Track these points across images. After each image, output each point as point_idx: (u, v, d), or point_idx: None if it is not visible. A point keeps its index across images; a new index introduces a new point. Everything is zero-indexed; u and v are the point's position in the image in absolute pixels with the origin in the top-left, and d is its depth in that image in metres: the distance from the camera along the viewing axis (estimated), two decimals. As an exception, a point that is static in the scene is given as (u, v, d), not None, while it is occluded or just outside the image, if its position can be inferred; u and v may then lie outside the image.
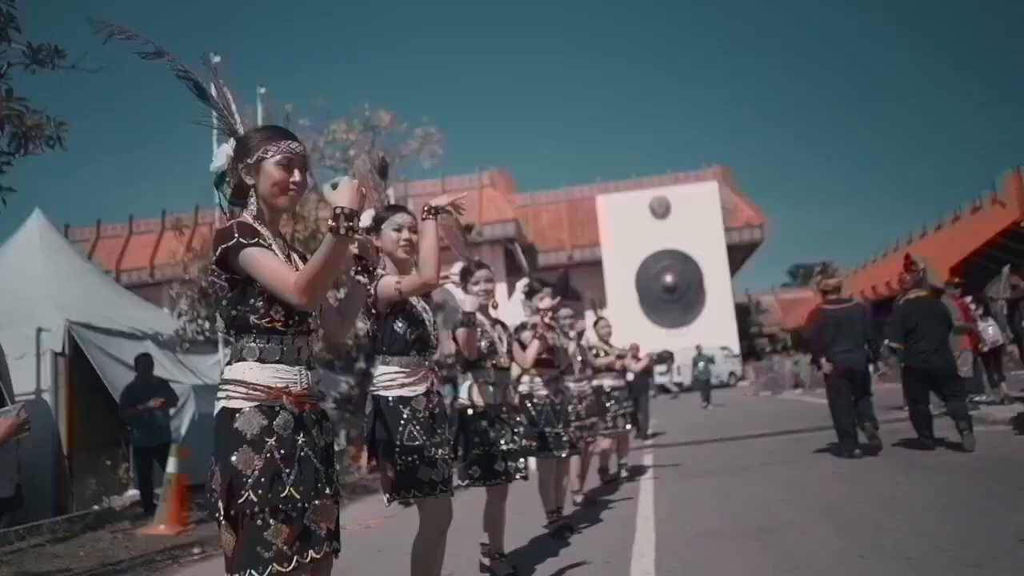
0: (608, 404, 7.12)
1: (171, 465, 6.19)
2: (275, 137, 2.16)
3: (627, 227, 41.56)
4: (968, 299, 11.13)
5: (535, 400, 4.92)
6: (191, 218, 21.03)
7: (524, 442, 4.00)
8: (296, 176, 2.14)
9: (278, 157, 2.11)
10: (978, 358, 10.53)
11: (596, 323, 7.62)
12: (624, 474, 7.64)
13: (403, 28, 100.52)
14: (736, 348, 39.36)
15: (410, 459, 2.89)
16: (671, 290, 41.62)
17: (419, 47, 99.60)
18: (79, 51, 6.48)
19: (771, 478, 6.57)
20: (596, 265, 41.88)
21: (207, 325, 9.42)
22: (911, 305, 7.17)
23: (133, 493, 8.40)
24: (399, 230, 3.06)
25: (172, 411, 8.55)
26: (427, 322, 3.09)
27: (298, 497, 1.99)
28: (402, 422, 2.92)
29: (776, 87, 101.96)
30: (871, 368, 7.62)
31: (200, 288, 9.46)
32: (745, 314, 47.35)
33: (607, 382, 7.17)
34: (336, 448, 2.21)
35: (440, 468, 2.93)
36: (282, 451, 2.01)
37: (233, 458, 1.96)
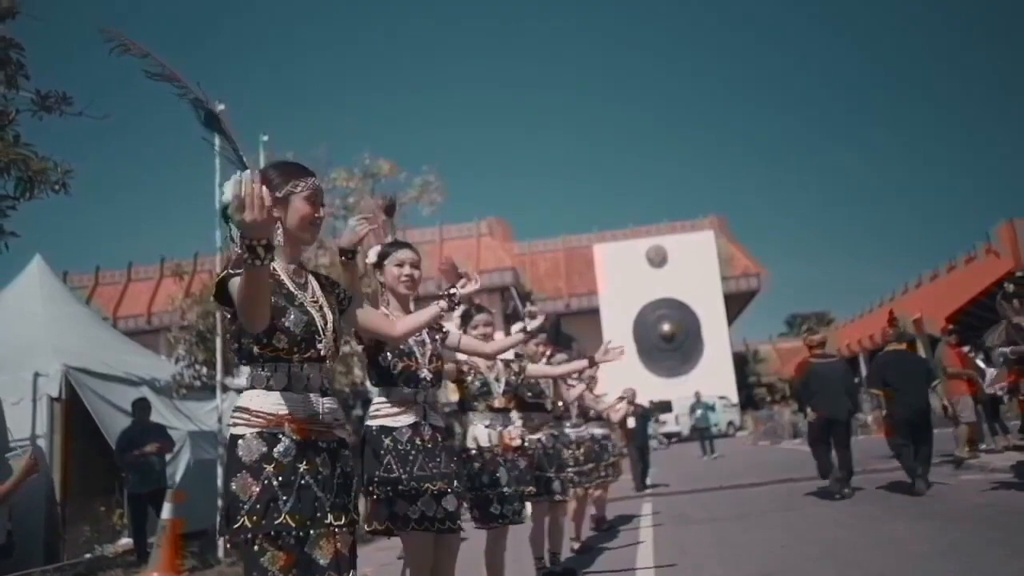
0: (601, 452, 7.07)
1: (166, 511, 6.11)
2: (300, 173, 2.24)
3: (624, 276, 41.74)
4: (966, 348, 11.21)
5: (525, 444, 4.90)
6: (191, 264, 21.11)
7: (521, 487, 3.96)
8: (320, 212, 2.24)
9: (307, 192, 2.19)
10: (978, 405, 10.52)
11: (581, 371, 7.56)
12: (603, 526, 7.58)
13: (402, 78, 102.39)
14: (734, 397, 39.20)
15: (387, 490, 2.89)
16: (668, 339, 41.62)
17: (417, 97, 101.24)
18: (85, 98, 6.64)
19: (771, 525, 6.52)
20: (594, 313, 41.95)
21: (204, 371, 9.40)
22: (890, 356, 7.80)
23: (127, 541, 8.28)
24: (401, 266, 3.12)
25: (168, 457, 8.49)
26: (418, 355, 3.10)
27: (293, 525, 1.99)
28: (381, 452, 2.93)
29: (772, 138, 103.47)
30: (852, 418, 8.11)
31: (198, 332, 9.46)
32: (743, 363, 47.29)
33: (595, 431, 7.09)
34: None
35: (425, 504, 2.90)
36: (280, 478, 2.01)
37: (232, 484, 2.01)
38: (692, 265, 41.59)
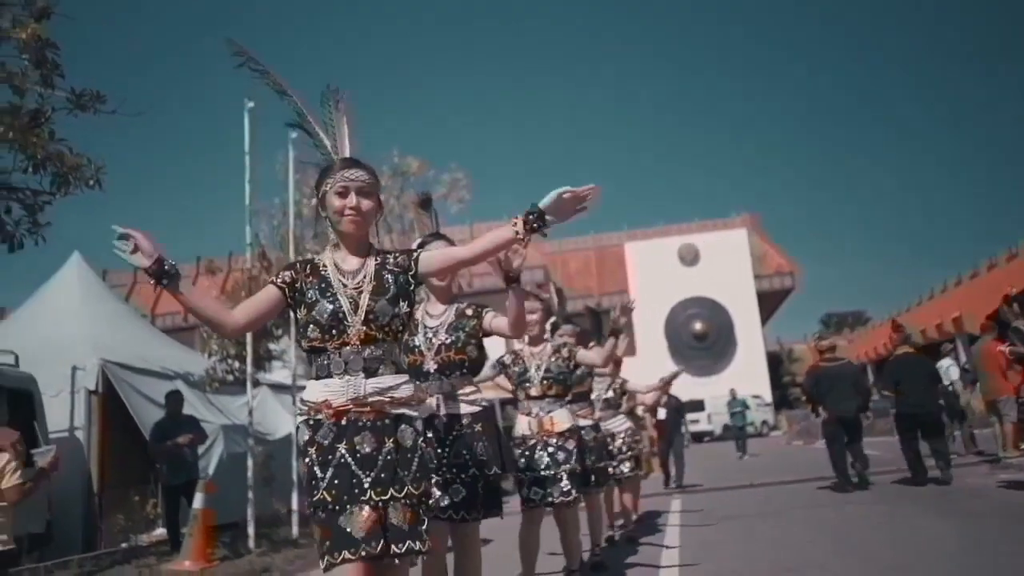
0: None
1: (197, 500, 6.24)
2: (336, 168, 2.38)
3: (655, 274, 41.47)
4: (1005, 346, 10.93)
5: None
6: (225, 262, 21.43)
7: (565, 467, 3.95)
8: (351, 201, 2.32)
9: (337, 187, 2.34)
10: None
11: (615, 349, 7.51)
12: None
13: (432, 76, 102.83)
14: (768, 397, 38.77)
15: None
16: (701, 338, 41.28)
17: (445, 95, 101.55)
18: (118, 96, 6.78)
19: (797, 521, 6.45)
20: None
21: (236, 365, 9.54)
22: (897, 360, 8.53)
23: (162, 531, 8.44)
24: None
25: (201, 449, 8.64)
26: (423, 349, 3.14)
27: (329, 500, 2.16)
28: None
29: (806, 135, 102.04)
30: (862, 416, 8.65)
31: (230, 328, 9.59)
32: (777, 363, 46.74)
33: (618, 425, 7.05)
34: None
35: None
36: (319, 458, 2.21)
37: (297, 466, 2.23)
38: (724, 263, 41.17)
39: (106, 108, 6.66)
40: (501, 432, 3.30)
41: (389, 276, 2.37)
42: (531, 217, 2.24)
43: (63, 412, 8.87)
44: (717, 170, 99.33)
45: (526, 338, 4.14)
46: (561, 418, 4.01)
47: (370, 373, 2.26)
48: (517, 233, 2.25)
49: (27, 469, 3.58)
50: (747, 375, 38.61)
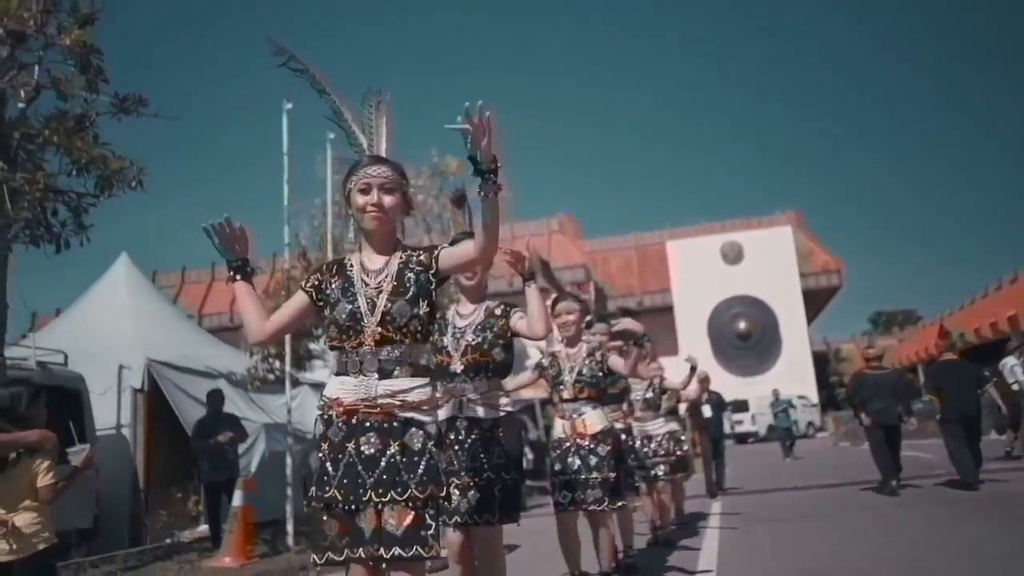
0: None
1: (237, 498, 6.32)
2: (360, 166, 2.38)
3: (698, 273, 40.99)
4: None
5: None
6: (269, 262, 21.77)
7: (598, 474, 3.91)
8: (373, 197, 2.31)
9: (360, 184, 2.34)
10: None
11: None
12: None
13: (471, 76, 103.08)
14: (814, 397, 38.03)
15: None
16: (744, 337, 40.66)
17: (487, 95, 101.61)
18: (159, 99, 6.91)
19: (842, 526, 6.29)
20: (667, 311, 41.33)
21: (277, 364, 9.65)
22: (942, 365, 8.92)
23: (205, 527, 8.58)
24: None
25: (243, 447, 8.77)
26: (451, 349, 3.14)
27: (339, 498, 2.19)
28: None
29: (850, 130, 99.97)
30: (902, 422, 8.90)
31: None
32: (824, 363, 45.80)
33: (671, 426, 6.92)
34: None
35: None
36: (331, 455, 2.24)
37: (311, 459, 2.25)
38: (769, 261, 40.48)
39: (148, 111, 6.81)
40: (523, 439, 3.27)
41: (411, 275, 2.35)
42: (473, 169, 2.15)
43: (111, 410, 9.08)
44: (760, 167, 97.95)
45: (563, 340, 4.11)
46: (593, 420, 3.97)
47: (384, 374, 2.25)
48: (483, 195, 2.16)
49: (61, 467, 3.62)
50: (792, 375, 37.95)
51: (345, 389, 2.26)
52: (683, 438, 6.98)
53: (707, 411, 10.97)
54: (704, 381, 9.42)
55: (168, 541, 8.58)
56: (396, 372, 2.26)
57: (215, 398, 7.88)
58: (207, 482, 7.88)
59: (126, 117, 6.68)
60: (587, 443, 3.94)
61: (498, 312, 3.19)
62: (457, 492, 2.97)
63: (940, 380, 8.62)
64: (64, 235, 6.06)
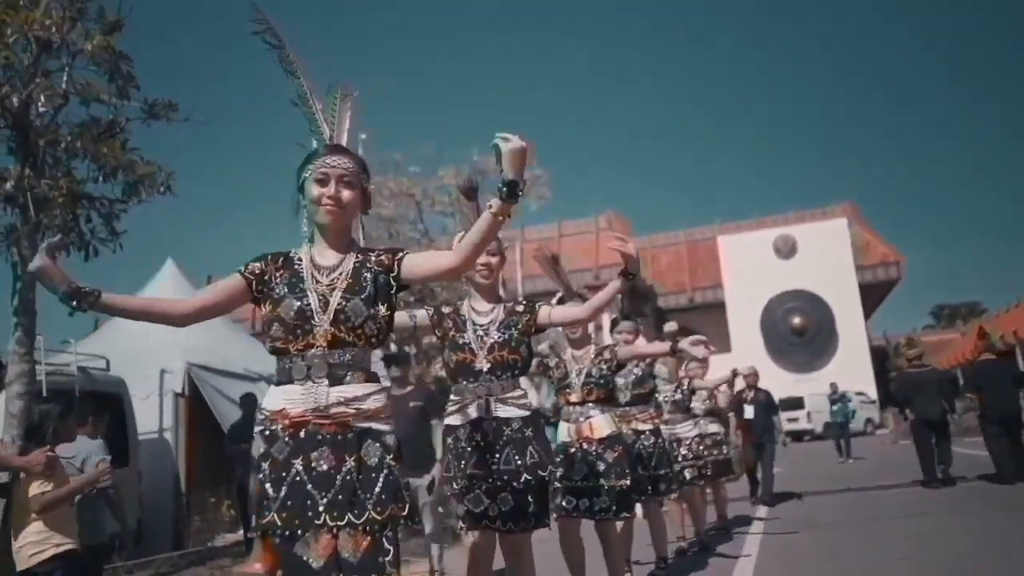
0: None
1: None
2: (318, 154, 2.18)
3: (751, 267, 40.06)
4: None
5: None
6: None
7: (606, 481, 3.70)
8: (330, 189, 2.12)
9: (316, 173, 2.15)
10: None
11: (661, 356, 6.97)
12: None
13: (517, 74, 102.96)
14: (873, 394, 36.86)
15: (453, 489, 3.00)
16: (799, 332, 39.61)
17: (529, 92, 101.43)
18: (187, 104, 6.93)
19: (894, 532, 5.95)
20: (719, 308, 40.57)
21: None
22: (983, 365, 9.38)
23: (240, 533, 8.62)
24: None
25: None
26: (474, 347, 2.99)
27: (279, 524, 1.94)
28: (447, 451, 3.01)
29: (906, 119, 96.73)
30: (949, 418, 9.29)
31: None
32: (883, 358, 44.39)
33: (710, 427, 6.62)
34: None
35: (474, 501, 2.88)
36: (273, 475, 1.99)
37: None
38: (824, 254, 39.34)
39: (178, 116, 6.82)
40: (547, 438, 3.11)
41: (368, 275, 2.15)
42: (503, 190, 2.03)
43: (153, 414, 9.21)
44: (813, 158, 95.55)
45: (569, 341, 3.95)
46: (601, 424, 3.77)
47: (335, 380, 2.03)
48: (494, 213, 2.04)
49: (59, 475, 3.74)
50: (850, 371, 36.88)
51: (290, 399, 2.02)
52: (722, 440, 6.69)
53: (749, 412, 10.05)
54: (750, 376, 9.09)
55: (209, 545, 8.66)
56: (348, 377, 2.04)
57: (248, 402, 7.89)
58: (240, 486, 7.90)
59: (155, 122, 6.73)
60: (594, 448, 3.75)
61: (520, 309, 3.05)
62: (487, 498, 2.85)
63: (980, 380, 9.12)
64: (93, 242, 6.09)
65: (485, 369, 2.94)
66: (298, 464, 1.98)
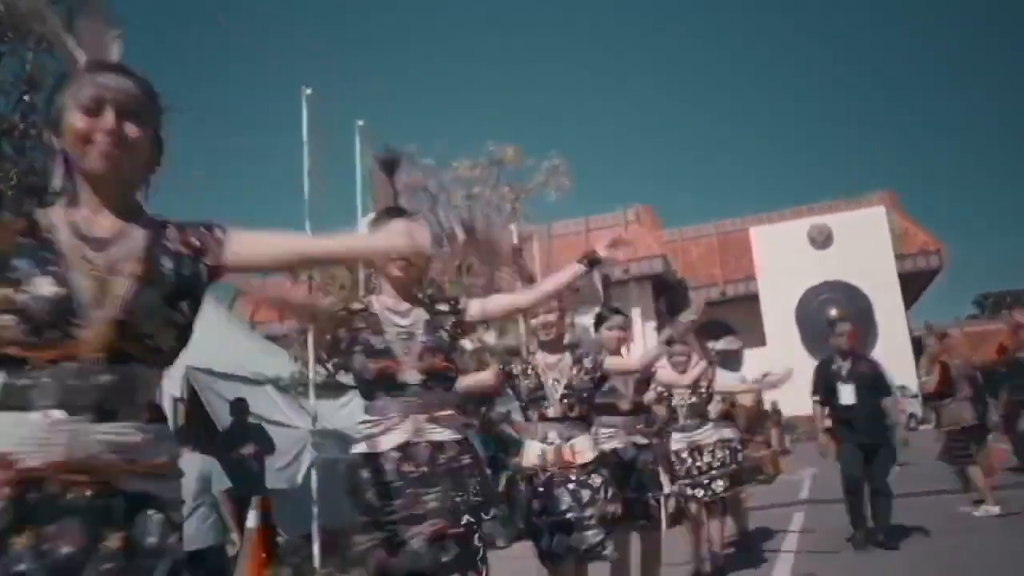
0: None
1: (251, 518, 5.80)
2: (84, 72, 1.44)
3: (785, 258, 39.00)
4: None
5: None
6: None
7: (595, 510, 3.11)
8: (107, 121, 1.41)
9: (85, 99, 1.41)
10: None
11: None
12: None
13: (536, 64, 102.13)
14: (915, 387, 35.64)
15: (371, 539, 2.31)
16: (836, 324, 38.55)
17: (555, 86, 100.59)
18: (169, 93, 6.50)
19: (938, 554, 5.29)
20: (752, 300, 39.58)
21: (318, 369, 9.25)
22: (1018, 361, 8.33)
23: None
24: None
25: (289, 457, 8.38)
26: (398, 352, 2.41)
27: None
28: (361, 488, 2.35)
29: (945, 103, 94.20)
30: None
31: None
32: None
33: (725, 433, 6.00)
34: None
35: (412, 556, 2.23)
36: None
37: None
38: (861, 244, 38.13)
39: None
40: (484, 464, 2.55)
41: (168, 260, 1.48)
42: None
43: (152, 420, 8.84)
44: (848, 146, 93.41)
45: (537, 345, 3.36)
46: (584, 447, 3.18)
47: (104, 414, 1.32)
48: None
49: None
50: (889, 363, 35.05)
51: (23, 438, 1.28)
52: (737, 447, 6.05)
53: (847, 394, 8.60)
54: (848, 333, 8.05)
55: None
56: (124, 412, 1.34)
57: (238, 409, 7.45)
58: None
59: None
60: (575, 475, 3.14)
61: (444, 308, 2.49)
62: (422, 543, 2.25)
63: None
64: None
65: (414, 381, 2.37)
66: (20, 544, 1.24)
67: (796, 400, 31.90)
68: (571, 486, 3.11)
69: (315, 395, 10.13)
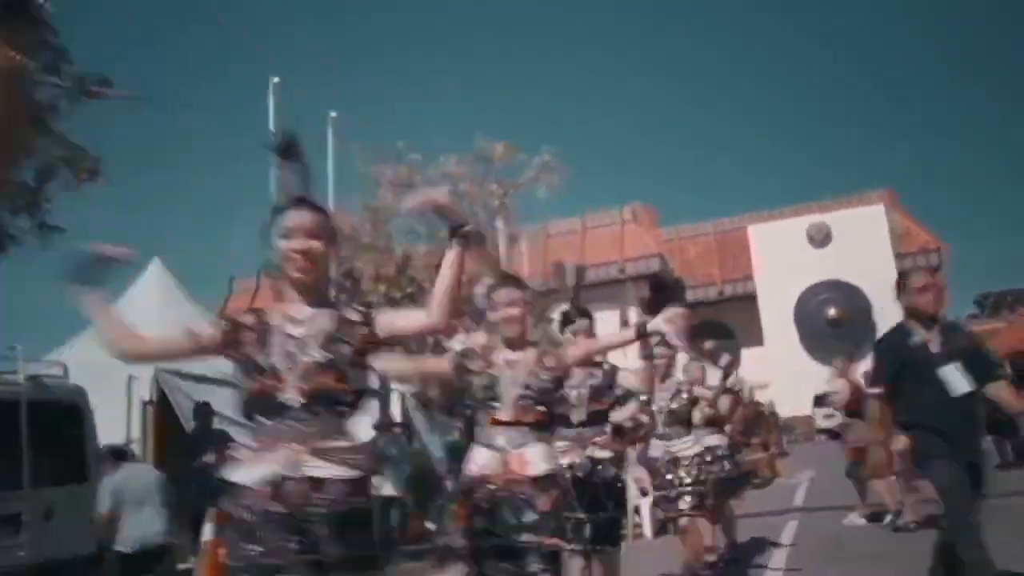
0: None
1: (207, 531, 5.43)
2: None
3: (783, 257, 38.65)
4: None
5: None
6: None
7: (539, 536, 2.67)
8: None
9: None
10: None
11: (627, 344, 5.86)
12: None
13: (530, 62, 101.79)
14: (914, 388, 35.33)
15: None
16: (835, 324, 38.08)
17: (551, 80, 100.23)
18: (132, 84, 6.19)
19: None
20: (750, 300, 39.25)
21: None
22: None
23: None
24: (287, 237, 2.11)
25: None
26: (281, 369, 2.03)
27: None
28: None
29: (945, 101, 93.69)
30: None
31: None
32: (925, 349, 42.62)
33: (707, 440, 5.63)
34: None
35: None
36: None
37: None
38: (860, 242, 37.76)
39: (115, 93, 6.09)
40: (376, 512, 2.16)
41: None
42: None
43: (120, 424, 8.52)
44: (847, 144, 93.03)
45: (501, 340, 2.95)
46: (536, 458, 2.78)
47: None
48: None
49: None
50: (890, 364, 35.32)
51: None
52: (724, 454, 5.66)
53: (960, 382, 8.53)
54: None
55: (179, 568, 7.92)
56: None
57: (202, 412, 7.11)
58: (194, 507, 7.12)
59: (88, 101, 5.99)
60: (522, 490, 2.72)
61: (354, 317, 2.12)
62: None
63: None
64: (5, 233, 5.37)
65: (296, 404, 1.99)
66: None
67: (794, 401, 31.67)
68: (516, 503, 2.70)
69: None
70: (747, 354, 39.14)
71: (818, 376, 33.73)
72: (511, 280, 2.99)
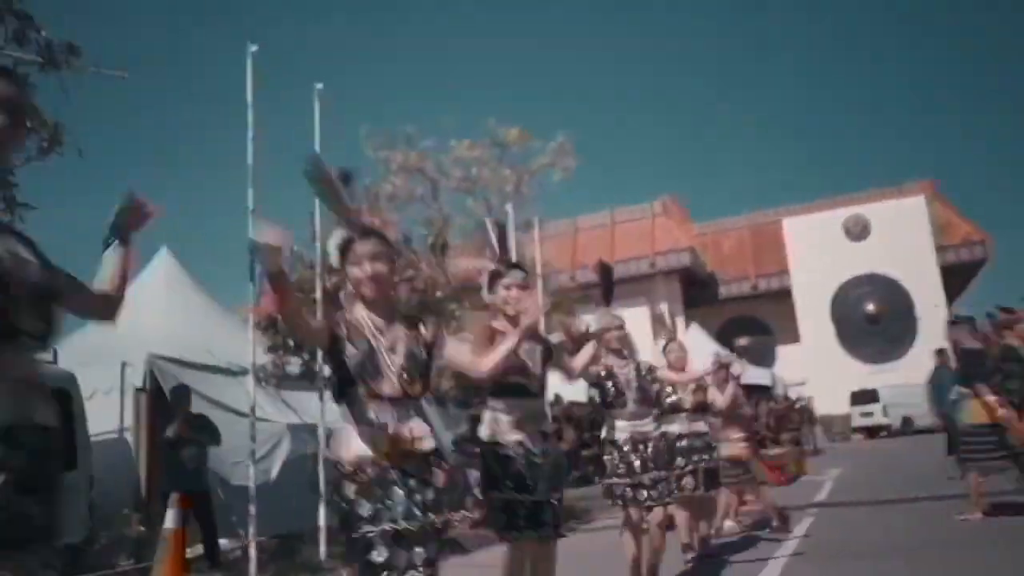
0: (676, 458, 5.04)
1: (169, 519, 5.15)
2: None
3: (819, 251, 37.69)
4: None
5: (501, 450, 3.14)
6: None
7: (424, 521, 2.31)
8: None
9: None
10: None
11: (666, 346, 5.49)
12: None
13: (556, 49, 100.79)
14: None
15: None
16: (874, 319, 37.06)
17: (582, 72, 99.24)
18: (107, 53, 5.95)
19: (961, 567, 4.49)
20: (785, 295, 38.38)
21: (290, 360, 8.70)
22: None
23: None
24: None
25: (263, 451, 7.87)
26: None
27: None
28: None
29: (987, 87, 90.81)
30: None
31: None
32: (969, 346, 41.28)
33: (674, 427, 5.16)
34: None
35: None
36: None
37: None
38: (899, 235, 36.67)
39: (83, 64, 5.86)
40: None
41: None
42: None
43: (113, 412, 8.37)
44: (885, 134, 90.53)
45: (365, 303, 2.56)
46: (422, 432, 2.41)
47: None
48: None
49: None
50: (931, 361, 34.25)
51: None
52: (711, 443, 5.21)
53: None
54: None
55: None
56: None
57: (177, 395, 6.92)
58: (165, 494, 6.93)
59: (56, 71, 5.77)
60: (413, 467, 2.35)
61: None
62: None
63: None
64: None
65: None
66: None
67: (831, 398, 30.66)
68: (411, 482, 2.36)
69: (297, 388, 9.61)
70: (783, 351, 38.37)
71: (856, 373, 33.01)
72: (516, 264, 2.84)
